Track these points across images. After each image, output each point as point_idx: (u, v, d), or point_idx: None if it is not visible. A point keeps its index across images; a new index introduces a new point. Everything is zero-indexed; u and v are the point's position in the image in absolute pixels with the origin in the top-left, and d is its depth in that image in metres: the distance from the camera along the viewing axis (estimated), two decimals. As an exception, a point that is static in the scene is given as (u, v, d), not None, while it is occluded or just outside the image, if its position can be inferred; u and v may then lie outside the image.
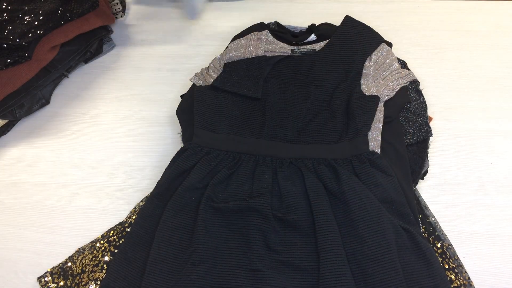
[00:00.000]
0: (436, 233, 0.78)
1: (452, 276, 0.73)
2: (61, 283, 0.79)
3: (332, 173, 0.76)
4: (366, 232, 0.68)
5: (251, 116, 0.86)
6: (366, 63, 0.89)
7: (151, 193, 0.79)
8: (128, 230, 0.81)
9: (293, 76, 0.90)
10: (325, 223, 0.70)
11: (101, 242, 0.82)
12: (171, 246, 0.72)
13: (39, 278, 0.80)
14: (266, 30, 0.95)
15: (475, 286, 0.73)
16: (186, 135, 0.89)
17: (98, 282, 0.76)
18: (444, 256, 0.75)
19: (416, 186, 0.84)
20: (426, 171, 0.85)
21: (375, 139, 0.81)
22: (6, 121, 1.00)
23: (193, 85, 0.94)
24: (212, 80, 0.91)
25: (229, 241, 0.71)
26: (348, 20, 0.95)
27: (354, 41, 0.91)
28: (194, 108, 0.87)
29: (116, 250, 0.80)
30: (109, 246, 0.81)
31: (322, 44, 0.93)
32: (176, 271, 0.69)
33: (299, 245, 0.70)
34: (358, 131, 0.80)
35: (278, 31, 0.97)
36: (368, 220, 0.69)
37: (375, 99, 0.84)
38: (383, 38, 0.94)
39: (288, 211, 0.73)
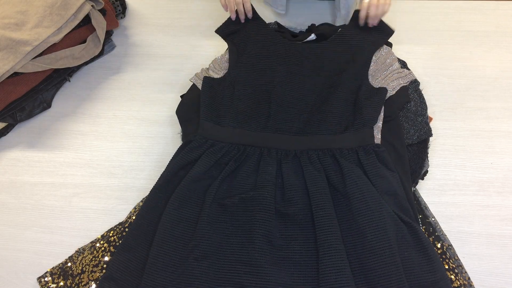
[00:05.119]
0: (436, 234, 0.78)
1: (452, 277, 0.73)
2: (61, 283, 0.79)
3: (336, 165, 0.76)
4: (367, 226, 0.68)
5: (257, 109, 0.85)
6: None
7: (155, 185, 0.79)
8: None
9: (300, 64, 0.89)
10: (324, 217, 0.70)
11: (101, 242, 0.82)
12: (173, 239, 0.71)
13: (39, 278, 0.80)
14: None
15: (475, 286, 0.73)
16: (186, 135, 0.89)
17: (98, 283, 0.76)
18: (444, 256, 0.75)
19: (416, 186, 0.84)
20: (426, 171, 0.85)
21: (375, 137, 0.81)
22: (6, 123, 1.00)
23: (193, 85, 0.94)
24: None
25: (231, 237, 0.71)
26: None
27: (365, 30, 0.90)
28: (201, 98, 0.87)
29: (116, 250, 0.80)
30: (109, 246, 0.81)
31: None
32: (178, 264, 0.69)
33: (299, 240, 0.70)
34: (365, 122, 0.80)
35: (278, 31, 0.97)
36: (369, 214, 0.69)
37: (383, 91, 0.83)
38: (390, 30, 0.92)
39: (290, 204, 0.73)
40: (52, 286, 0.79)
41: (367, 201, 0.70)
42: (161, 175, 0.80)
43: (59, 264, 0.81)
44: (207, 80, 0.89)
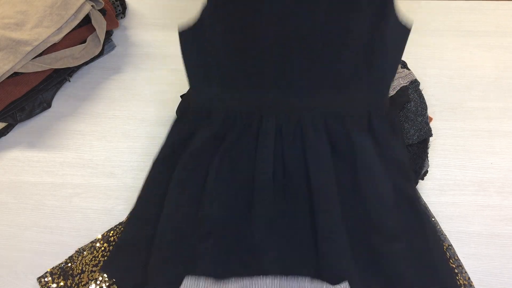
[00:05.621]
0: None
1: (452, 276, 0.73)
2: (61, 283, 0.79)
3: (344, 132, 0.73)
4: (370, 194, 0.69)
5: (250, 65, 0.73)
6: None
7: (154, 159, 0.80)
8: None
9: None
10: (325, 199, 0.69)
11: (101, 242, 0.82)
12: (178, 218, 0.72)
13: (39, 278, 0.80)
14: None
15: (475, 286, 0.73)
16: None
17: (98, 282, 0.76)
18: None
19: (416, 186, 0.84)
20: (426, 171, 0.85)
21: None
22: (6, 123, 1.00)
23: None
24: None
25: (234, 213, 0.71)
26: None
27: None
28: (183, 61, 0.77)
29: (116, 250, 0.80)
30: (108, 246, 0.81)
31: None
32: (183, 243, 0.70)
33: (300, 220, 0.69)
34: (381, 76, 0.73)
35: None
36: (374, 185, 0.70)
37: (405, 32, 0.70)
38: None
39: (290, 182, 0.71)
40: (52, 286, 0.79)
41: (373, 170, 0.70)
42: (160, 148, 0.80)
43: (59, 264, 0.81)
44: (184, 38, 0.75)
